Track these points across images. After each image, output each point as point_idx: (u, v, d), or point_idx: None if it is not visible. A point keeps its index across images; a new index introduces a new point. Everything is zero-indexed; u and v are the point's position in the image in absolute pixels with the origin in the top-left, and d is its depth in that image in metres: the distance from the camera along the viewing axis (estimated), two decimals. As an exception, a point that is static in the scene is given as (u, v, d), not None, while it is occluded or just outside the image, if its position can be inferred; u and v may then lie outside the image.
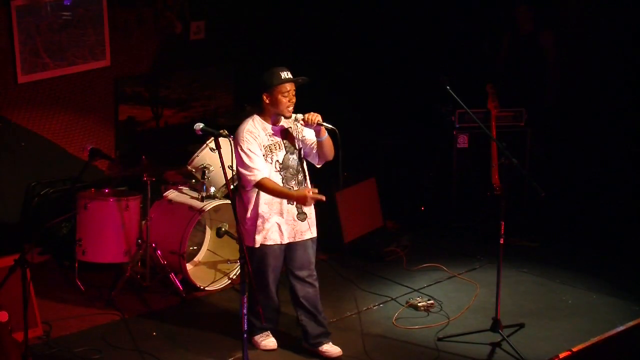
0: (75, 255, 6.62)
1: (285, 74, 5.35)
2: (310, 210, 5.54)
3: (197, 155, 6.89)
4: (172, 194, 6.98)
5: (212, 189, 6.89)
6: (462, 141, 8.02)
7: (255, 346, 5.70)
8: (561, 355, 4.80)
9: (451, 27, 8.58)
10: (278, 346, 5.76)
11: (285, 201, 5.42)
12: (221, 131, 4.95)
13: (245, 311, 4.67)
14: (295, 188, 5.43)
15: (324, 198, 5.31)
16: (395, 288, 6.80)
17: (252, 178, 5.29)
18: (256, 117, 5.44)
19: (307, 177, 5.58)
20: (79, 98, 7.62)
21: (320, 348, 5.63)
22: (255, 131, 5.37)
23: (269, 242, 5.45)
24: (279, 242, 5.47)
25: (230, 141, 6.39)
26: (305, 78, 5.43)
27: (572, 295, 6.69)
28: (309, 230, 5.55)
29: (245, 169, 5.31)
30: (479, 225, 7.78)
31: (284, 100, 5.32)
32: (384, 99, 8.91)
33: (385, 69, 8.90)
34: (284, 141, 5.44)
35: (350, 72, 8.87)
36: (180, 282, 6.59)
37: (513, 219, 6.84)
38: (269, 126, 5.41)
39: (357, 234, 7.67)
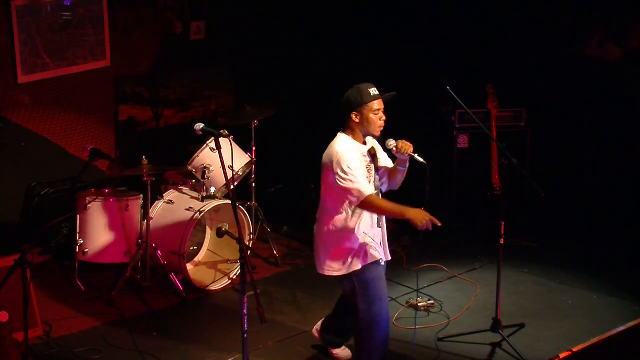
0: (75, 255, 6.63)
1: (374, 90, 5.01)
2: (385, 232, 5.25)
3: (197, 155, 6.89)
4: (172, 194, 6.99)
5: (212, 189, 6.89)
6: (462, 141, 8.02)
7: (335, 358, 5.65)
8: (561, 355, 4.79)
9: (451, 27, 8.58)
10: (280, 348, 5.75)
11: (374, 224, 5.10)
12: (221, 131, 4.95)
13: (245, 311, 4.66)
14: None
15: (439, 223, 5.01)
16: (395, 288, 6.80)
17: (359, 195, 4.88)
18: (345, 137, 5.03)
19: None
20: (79, 98, 7.63)
21: (333, 350, 5.64)
22: (352, 150, 4.98)
23: (372, 260, 5.06)
24: (382, 258, 5.15)
25: (230, 141, 6.43)
26: (394, 93, 5.12)
27: (572, 295, 6.69)
28: (388, 253, 5.29)
29: (350, 187, 4.87)
30: (479, 225, 7.77)
31: (375, 118, 5.00)
32: (384, 99, 8.89)
33: (385, 68, 8.89)
34: (374, 162, 5.14)
35: (350, 72, 8.86)
36: (180, 282, 6.59)
37: (513, 219, 6.84)
38: (362, 146, 5.06)
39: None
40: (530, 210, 7.97)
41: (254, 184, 7.41)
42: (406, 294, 6.67)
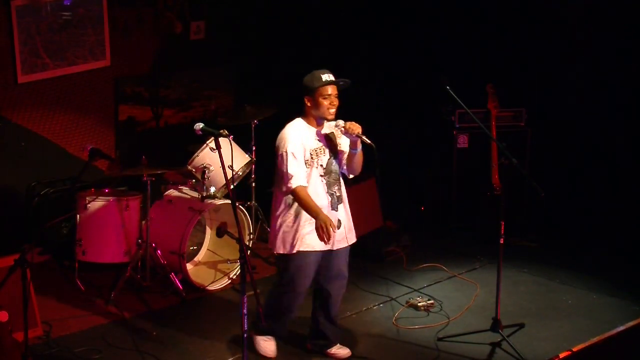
0: (75, 255, 6.63)
1: (327, 76, 5.22)
2: (346, 217, 5.43)
3: (197, 155, 6.89)
4: (172, 194, 6.98)
5: (212, 189, 6.89)
6: (462, 141, 8.02)
7: (254, 344, 5.63)
8: (561, 355, 4.79)
9: (451, 27, 8.58)
10: (280, 348, 5.75)
11: (327, 207, 5.25)
12: (221, 131, 4.95)
13: (245, 311, 4.66)
14: (338, 194, 5.33)
15: (327, 242, 5.13)
16: (395, 288, 6.80)
17: (289, 184, 5.13)
18: (300, 120, 5.31)
19: (343, 184, 5.45)
20: (79, 98, 7.62)
21: (329, 350, 5.63)
22: (301, 134, 5.23)
23: (307, 249, 5.29)
24: (317, 249, 5.31)
25: (230, 141, 6.43)
26: (347, 80, 5.33)
27: (572, 295, 6.69)
28: (345, 238, 5.42)
29: (285, 173, 5.15)
30: (479, 225, 7.78)
31: (325, 103, 5.19)
32: (384, 99, 8.91)
33: (385, 69, 8.90)
34: (328, 146, 5.31)
35: (350, 72, 8.85)
36: (180, 282, 6.59)
37: (513, 219, 6.84)
38: (313, 129, 5.28)
39: (357, 234, 7.65)
40: (530, 210, 7.97)
41: (254, 184, 7.41)
42: (406, 294, 6.67)
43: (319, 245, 5.24)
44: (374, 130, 8.66)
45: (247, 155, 7.17)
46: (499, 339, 5.76)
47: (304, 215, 5.22)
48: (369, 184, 7.94)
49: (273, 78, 8.60)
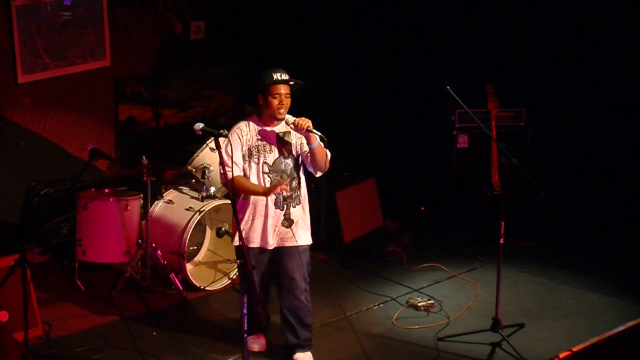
0: (75, 255, 6.62)
1: (279, 76, 5.25)
2: (299, 217, 5.39)
3: (197, 155, 6.89)
4: (172, 194, 6.98)
5: (212, 189, 6.89)
6: (462, 141, 8.02)
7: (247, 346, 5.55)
8: (561, 355, 4.80)
9: (451, 27, 8.58)
10: (280, 348, 5.76)
11: (271, 205, 5.30)
12: (221, 131, 4.95)
13: (245, 311, 4.67)
14: (285, 194, 5.31)
15: (285, 187, 5.23)
16: (395, 288, 6.80)
17: (225, 178, 5.11)
18: (254, 117, 5.40)
19: (303, 185, 5.42)
20: (79, 98, 7.63)
21: (293, 356, 5.53)
22: (245, 130, 5.32)
23: (250, 244, 5.32)
24: (258, 245, 5.34)
25: (230, 141, 6.42)
26: (299, 82, 5.33)
27: (572, 295, 6.69)
28: (292, 237, 5.37)
29: (222, 168, 5.11)
30: (479, 225, 7.78)
31: (275, 102, 5.24)
32: (384, 99, 8.91)
33: (385, 69, 8.90)
34: (278, 144, 5.32)
35: (350, 72, 8.87)
36: (180, 282, 6.59)
37: (513, 219, 6.84)
38: (263, 127, 5.34)
39: (357, 234, 7.67)
40: (530, 210, 7.97)
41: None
42: (406, 294, 6.67)
43: (256, 242, 5.32)
44: (374, 131, 8.73)
45: (247, 155, 7.16)
46: (499, 339, 5.76)
47: (250, 210, 5.30)
48: (369, 184, 7.94)
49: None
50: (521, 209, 7.91)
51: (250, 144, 5.30)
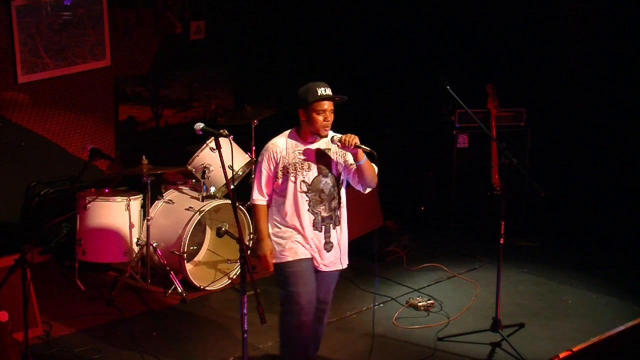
0: (75, 255, 6.63)
1: (323, 91, 4.97)
2: (340, 240, 5.17)
3: (197, 155, 6.89)
4: (172, 194, 6.98)
5: (212, 189, 6.89)
6: (462, 141, 8.03)
7: None
8: (561, 355, 4.80)
9: (452, 27, 8.58)
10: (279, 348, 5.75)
11: (309, 227, 5.03)
12: (221, 131, 4.95)
13: (245, 311, 4.66)
14: (324, 214, 5.05)
15: (271, 269, 5.07)
16: (395, 288, 6.80)
17: (254, 198, 5.08)
18: (292, 132, 5.08)
19: (343, 205, 5.16)
20: (79, 98, 7.63)
21: None
22: (281, 147, 5.01)
23: (300, 257, 5.04)
24: (309, 257, 5.05)
25: (230, 141, 6.42)
26: (344, 97, 5.05)
27: (572, 295, 6.69)
28: (336, 262, 5.15)
29: (253, 186, 5.08)
30: (479, 225, 7.78)
31: (319, 118, 4.94)
32: (384, 99, 8.91)
33: (385, 69, 8.90)
34: (317, 162, 5.02)
35: (350, 72, 8.87)
36: (180, 282, 6.59)
37: (513, 219, 6.85)
38: (301, 144, 5.04)
39: (357, 234, 7.66)
40: (530, 210, 7.97)
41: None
42: (406, 294, 6.67)
43: (307, 254, 5.05)
44: (374, 131, 8.73)
45: (247, 155, 7.17)
46: (499, 339, 5.76)
47: (292, 223, 5.04)
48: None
49: (273, 78, 8.61)
50: (521, 209, 7.91)
51: (287, 161, 5.00)
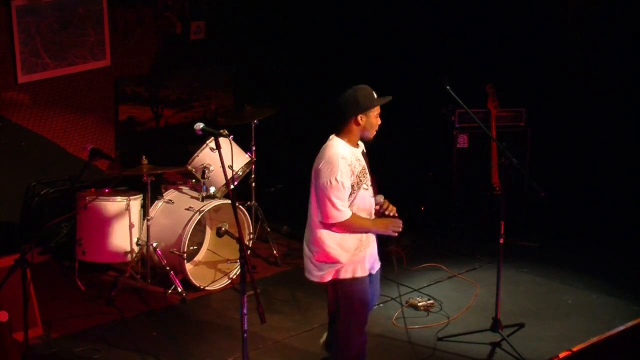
0: (75, 255, 6.63)
1: (376, 95, 4.89)
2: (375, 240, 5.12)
3: (197, 155, 6.89)
4: (172, 194, 6.98)
5: (212, 189, 6.89)
6: (462, 141, 8.02)
7: None
8: (561, 355, 4.79)
9: (451, 27, 8.58)
10: (280, 348, 5.75)
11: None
12: (221, 131, 4.95)
13: (245, 311, 4.66)
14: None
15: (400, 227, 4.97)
16: (395, 288, 6.80)
17: (341, 215, 4.73)
18: (341, 141, 4.83)
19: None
20: (79, 98, 7.63)
21: None
22: (348, 157, 4.78)
23: (363, 274, 4.94)
24: (367, 273, 4.99)
25: (230, 141, 6.43)
26: (390, 97, 4.97)
27: (572, 295, 6.69)
28: (378, 259, 5.17)
29: (336, 205, 4.71)
30: (479, 225, 7.78)
31: (376, 122, 4.90)
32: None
33: (385, 69, 8.89)
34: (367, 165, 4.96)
35: (350, 72, 8.86)
36: (180, 282, 6.59)
37: (513, 219, 6.84)
38: (356, 150, 4.89)
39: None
40: (530, 210, 7.97)
41: (254, 184, 7.41)
42: (406, 294, 6.67)
43: (366, 270, 4.97)
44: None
45: (247, 155, 7.17)
46: (499, 339, 5.76)
47: (353, 241, 4.88)
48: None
49: (273, 78, 8.61)
50: (521, 209, 7.91)
51: (356, 170, 4.82)
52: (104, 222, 6.59)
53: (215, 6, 8.28)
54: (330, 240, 4.82)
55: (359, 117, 4.82)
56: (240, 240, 4.67)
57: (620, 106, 7.87)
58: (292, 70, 8.68)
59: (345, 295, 4.90)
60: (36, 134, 7.43)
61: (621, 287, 6.78)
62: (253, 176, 7.39)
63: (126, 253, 6.64)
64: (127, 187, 7.17)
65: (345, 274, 4.87)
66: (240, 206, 6.85)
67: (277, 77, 8.61)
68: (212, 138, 5.16)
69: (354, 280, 4.89)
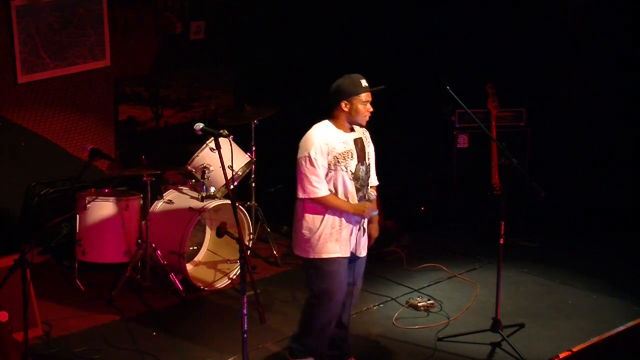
0: (75, 255, 6.63)
1: (364, 82, 5.16)
2: (367, 226, 5.36)
3: (197, 155, 6.89)
4: (172, 194, 6.98)
5: (212, 189, 6.89)
6: (462, 141, 8.02)
7: None
8: (561, 355, 4.80)
9: (452, 27, 8.58)
10: (280, 348, 5.76)
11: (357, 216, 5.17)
12: (221, 131, 4.95)
13: (245, 311, 4.66)
14: (364, 201, 5.19)
15: (376, 211, 5.23)
16: (395, 288, 6.80)
17: (316, 191, 5.03)
18: (328, 123, 5.14)
19: (372, 194, 5.36)
20: (79, 98, 7.63)
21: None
22: (329, 137, 5.07)
23: (340, 254, 5.15)
24: (347, 255, 5.18)
25: (230, 141, 6.42)
26: (382, 87, 5.24)
27: (572, 295, 6.69)
28: (365, 246, 5.34)
29: (310, 181, 5.03)
30: (479, 225, 7.78)
31: (363, 109, 5.12)
32: (384, 99, 8.89)
33: (385, 69, 8.89)
34: (358, 151, 5.17)
35: (350, 72, 8.85)
36: (180, 282, 6.58)
37: (513, 219, 6.84)
38: (343, 133, 5.13)
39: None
40: (530, 210, 7.97)
41: (254, 184, 7.41)
42: (406, 294, 6.67)
43: (344, 252, 5.15)
44: (374, 131, 8.71)
45: (247, 155, 7.17)
46: (499, 339, 5.76)
47: (329, 221, 5.10)
48: (369, 184, 7.92)
49: (273, 78, 8.60)
50: (521, 209, 7.91)
51: (336, 151, 5.06)
52: (104, 222, 6.59)
53: (215, 6, 8.28)
54: (305, 218, 5.16)
55: (343, 104, 5.10)
56: (240, 240, 4.67)
57: (620, 106, 7.87)
58: (292, 70, 8.67)
59: (315, 273, 5.17)
60: (36, 134, 7.43)
61: (621, 287, 6.79)
62: (253, 176, 7.39)
63: (126, 253, 6.64)
64: (127, 187, 7.17)
65: (316, 253, 5.12)
66: (240, 206, 6.85)
67: (277, 77, 8.61)
68: (212, 138, 5.15)
69: (323, 260, 5.12)
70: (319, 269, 5.15)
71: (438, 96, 7.04)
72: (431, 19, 8.66)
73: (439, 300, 6.52)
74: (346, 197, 5.12)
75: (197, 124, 5.03)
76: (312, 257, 5.15)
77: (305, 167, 5.04)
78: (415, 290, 6.72)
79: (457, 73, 6.89)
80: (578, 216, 7.95)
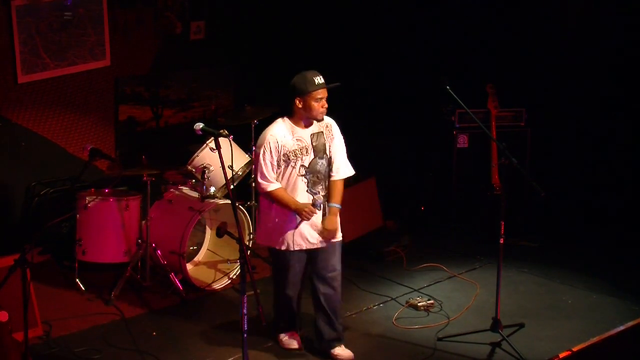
0: (75, 255, 6.63)
1: (318, 79, 5.33)
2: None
3: (197, 155, 6.89)
4: (172, 194, 6.98)
5: (212, 189, 6.89)
6: (462, 141, 8.02)
7: (279, 344, 5.76)
8: (561, 355, 4.79)
9: (451, 27, 8.58)
10: (281, 348, 5.76)
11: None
12: (221, 131, 4.95)
13: (245, 311, 4.66)
14: (322, 193, 5.43)
15: (316, 211, 5.39)
16: (395, 288, 6.80)
17: (264, 187, 5.37)
18: (286, 120, 5.42)
19: None
20: (79, 98, 7.63)
21: (332, 351, 5.62)
22: (280, 137, 5.35)
23: (294, 247, 5.44)
24: (304, 248, 5.45)
25: (230, 141, 6.42)
26: (338, 84, 5.42)
27: (572, 295, 6.69)
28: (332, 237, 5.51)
29: (260, 177, 5.38)
30: (479, 225, 7.78)
31: (317, 105, 5.31)
32: (384, 99, 8.90)
33: (385, 69, 8.89)
34: (313, 145, 5.40)
35: (350, 72, 8.86)
36: (180, 282, 6.59)
37: (513, 219, 6.84)
38: (298, 129, 5.39)
39: (357, 234, 7.66)
40: (530, 210, 7.97)
41: (254, 184, 7.40)
42: (406, 294, 6.67)
43: (299, 245, 5.43)
44: (374, 130, 8.73)
45: (247, 155, 7.17)
46: (499, 339, 5.76)
47: (279, 213, 5.42)
48: (369, 184, 7.93)
49: (273, 78, 8.59)
50: (521, 209, 7.91)
51: (287, 149, 5.33)
52: (104, 222, 6.59)
53: (215, 6, 8.28)
54: (261, 208, 5.58)
55: (297, 101, 5.34)
56: (240, 240, 4.67)
57: (620, 106, 7.87)
58: (292, 70, 8.66)
59: (271, 261, 5.75)
60: (36, 134, 7.43)
61: (621, 287, 6.79)
62: (253, 176, 7.38)
63: (126, 253, 6.64)
64: (127, 187, 7.17)
65: (270, 244, 5.52)
66: (240, 206, 6.85)
67: (277, 77, 8.60)
68: (212, 138, 5.16)
69: (274, 251, 5.52)
70: (272, 257, 5.64)
71: (438, 96, 7.03)
72: (431, 19, 8.66)
73: (439, 300, 6.52)
74: (293, 191, 5.39)
75: (197, 123, 5.03)
76: (266, 244, 5.57)
77: (257, 163, 5.37)
78: (415, 290, 6.72)
79: (457, 73, 6.89)
80: (578, 216, 7.95)
